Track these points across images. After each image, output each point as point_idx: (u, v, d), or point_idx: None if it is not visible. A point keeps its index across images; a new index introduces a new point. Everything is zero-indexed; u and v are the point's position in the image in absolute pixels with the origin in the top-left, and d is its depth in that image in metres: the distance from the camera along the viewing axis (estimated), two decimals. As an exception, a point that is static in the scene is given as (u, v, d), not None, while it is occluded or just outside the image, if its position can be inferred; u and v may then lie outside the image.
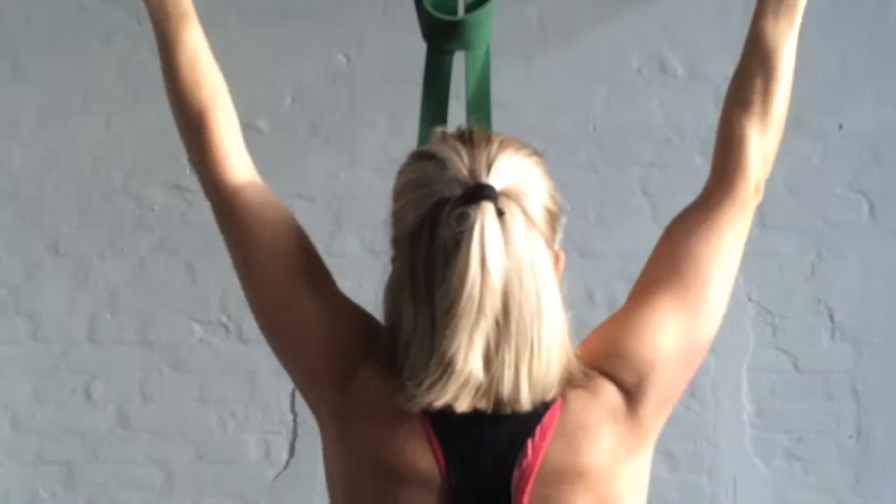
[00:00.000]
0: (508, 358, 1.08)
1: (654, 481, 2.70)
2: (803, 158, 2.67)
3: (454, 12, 1.30)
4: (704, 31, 2.69)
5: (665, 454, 2.68)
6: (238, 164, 1.23)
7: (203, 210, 2.76)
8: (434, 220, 1.08)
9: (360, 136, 2.75)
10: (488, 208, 1.06)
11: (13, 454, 2.79)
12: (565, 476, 1.11)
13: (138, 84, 2.76)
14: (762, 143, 1.25)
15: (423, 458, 1.11)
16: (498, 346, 1.08)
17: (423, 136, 1.31)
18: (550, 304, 1.09)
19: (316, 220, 2.70)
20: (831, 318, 2.69)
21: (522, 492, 1.11)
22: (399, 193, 1.14)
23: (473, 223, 1.05)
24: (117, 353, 2.78)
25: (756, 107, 1.24)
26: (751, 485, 2.68)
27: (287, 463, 2.76)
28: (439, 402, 1.08)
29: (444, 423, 1.11)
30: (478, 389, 1.09)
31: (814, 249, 2.69)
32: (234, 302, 2.74)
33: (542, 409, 1.12)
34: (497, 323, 1.07)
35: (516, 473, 1.11)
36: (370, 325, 1.19)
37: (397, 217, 1.14)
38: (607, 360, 1.15)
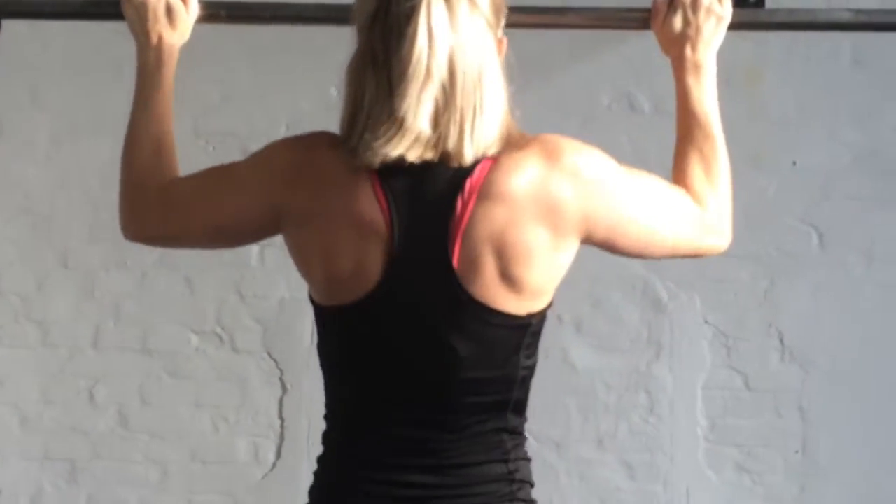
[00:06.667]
0: (454, 117, 1.22)
1: (613, 490, 2.90)
2: (759, 192, 2.82)
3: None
4: (669, 71, 2.86)
5: (623, 464, 2.83)
6: (162, 216, 1.41)
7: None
8: (388, 2, 1.24)
9: None
10: None
11: (21, 451, 2.91)
12: (484, 233, 1.24)
13: (145, 110, 2.90)
14: (719, 199, 1.43)
15: (372, 211, 1.24)
16: (445, 106, 1.22)
17: None
18: (491, 75, 1.26)
19: None
20: (781, 340, 2.84)
21: (453, 248, 1.24)
22: None
23: (421, 0, 1.22)
24: (119, 360, 2.90)
25: (713, 170, 1.42)
26: (703, 495, 2.83)
27: (274, 464, 2.89)
28: (394, 153, 1.22)
29: (390, 180, 1.24)
30: (427, 143, 1.23)
31: (767, 277, 2.83)
32: (228, 314, 2.88)
33: (474, 165, 1.24)
34: (444, 87, 1.23)
35: (449, 229, 1.24)
36: (306, 134, 1.34)
37: (358, 9, 1.29)
38: (558, 145, 1.27)
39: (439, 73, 1.23)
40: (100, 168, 2.90)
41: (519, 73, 2.99)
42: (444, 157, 1.25)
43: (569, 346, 2.81)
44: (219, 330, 2.89)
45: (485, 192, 1.25)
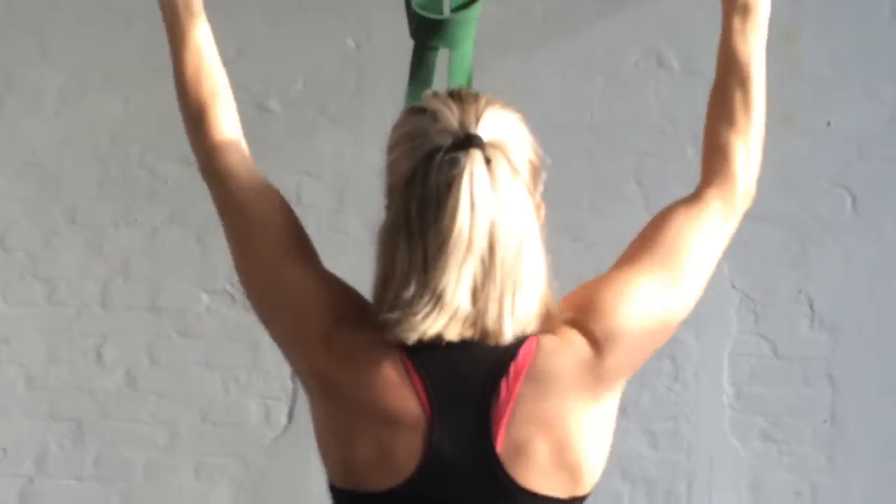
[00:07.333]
0: (493, 293, 1.16)
1: (635, 457, 2.84)
2: (791, 153, 2.74)
3: (440, 12, 1.40)
4: (700, 28, 2.74)
5: (647, 433, 2.77)
6: (232, 152, 1.32)
7: (214, 185, 2.88)
8: (427, 167, 1.17)
9: (366, 118, 2.83)
10: (477, 155, 1.16)
11: (27, 410, 2.89)
12: (532, 419, 1.19)
13: (156, 65, 2.81)
14: (749, 154, 1.32)
15: (407, 399, 1.18)
16: (484, 282, 1.16)
17: None
18: (532, 246, 1.19)
19: (322, 197, 2.81)
20: (811, 307, 2.77)
21: (497, 434, 1.18)
22: (394, 145, 1.23)
23: (464, 168, 1.15)
24: (128, 318, 2.87)
25: (741, 122, 1.31)
26: (727, 464, 2.77)
27: (285, 427, 2.86)
28: (432, 331, 1.16)
29: (424, 362, 1.18)
30: (465, 320, 1.16)
31: (797, 241, 2.76)
32: None
33: (516, 345, 1.19)
34: (483, 261, 1.16)
35: (493, 414, 1.19)
36: (349, 292, 1.29)
37: (392, 167, 1.22)
38: (582, 314, 1.23)
39: (480, 247, 1.16)
40: (109, 123, 2.89)
41: (542, 29, 2.95)
42: (483, 336, 1.18)
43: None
44: (230, 288, 2.84)
45: (531, 378, 1.19)
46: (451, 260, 1.15)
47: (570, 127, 2.77)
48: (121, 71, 2.88)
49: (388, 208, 1.23)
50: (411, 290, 1.17)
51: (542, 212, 1.24)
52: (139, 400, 2.87)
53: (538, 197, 1.23)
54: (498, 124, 1.20)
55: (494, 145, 1.18)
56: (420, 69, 1.42)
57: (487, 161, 1.16)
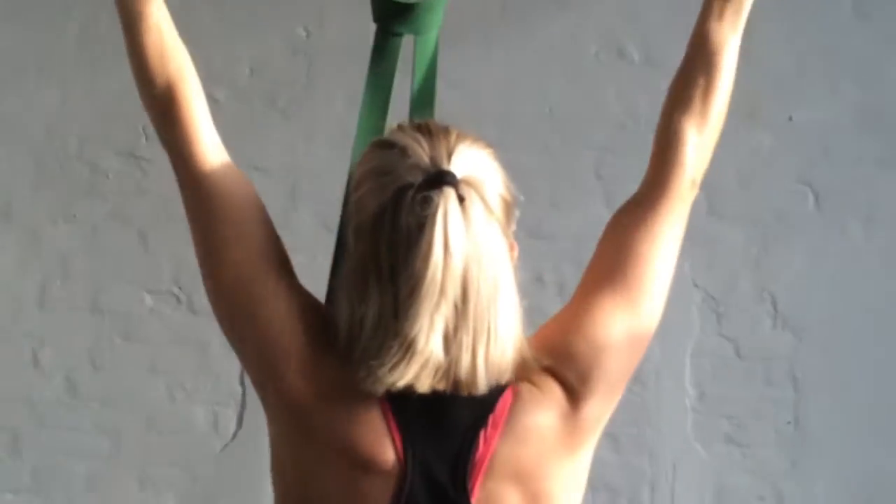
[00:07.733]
0: (466, 341, 1.11)
1: (597, 463, 2.75)
2: (752, 149, 2.72)
3: (406, -4, 1.32)
4: (662, 19, 2.73)
5: (608, 437, 2.71)
6: (207, 140, 1.23)
7: (157, 179, 2.79)
8: (397, 206, 1.11)
9: (317, 110, 2.76)
10: (450, 194, 1.10)
11: None
12: (508, 471, 1.15)
13: (96, 52, 2.76)
14: (700, 141, 1.26)
15: (383, 445, 1.14)
16: (456, 328, 1.11)
17: (365, 115, 1.34)
18: (506, 290, 1.13)
19: (271, 193, 2.67)
20: (774, 306, 2.74)
21: (473, 486, 1.14)
22: (360, 182, 1.16)
23: (437, 207, 1.09)
24: (67, 320, 2.78)
25: (697, 107, 1.26)
26: (690, 468, 2.73)
27: (234, 434, 2.78)
28: (401, 383, 1.11)
29: (404, 410, 1.14)
30: (437, 370, 1.12)
31: (760, 239, 2.74)
32: (185, 273, 2.75)
33: (495, 395, 1.15)
34: (456, 307, 1.11)
35: (470, 467, 1.14)
36: (322, 314, 1.21)
37: (358, 205, 1.16)
38: (553, 360, 1.18)
39: (453, 292, 1.11)
40: (45, 113, 2.78)
41: (501, 18, 2.88)
42: (456, 387, 1.13)
43: (551, 310, 2.68)
44: (175, 290, 2.76)
45: (508, 430, 1.16)
46: (423, 306, 1.10)
47: (529, 119, 2.72)
48: (58, 57, 2.78)
49: (354, 249, 1.15)
50: (381, 339, 1.11)
51: (515, 252, 1.18)
52: (79, 407, 2.77)
53: (511, 236, 1.17)
54: (471, 160, 1.13)
55: (468, 182, 1.12)
56: (383, 57, 1.34)
57: (461, 199, 1.10)
